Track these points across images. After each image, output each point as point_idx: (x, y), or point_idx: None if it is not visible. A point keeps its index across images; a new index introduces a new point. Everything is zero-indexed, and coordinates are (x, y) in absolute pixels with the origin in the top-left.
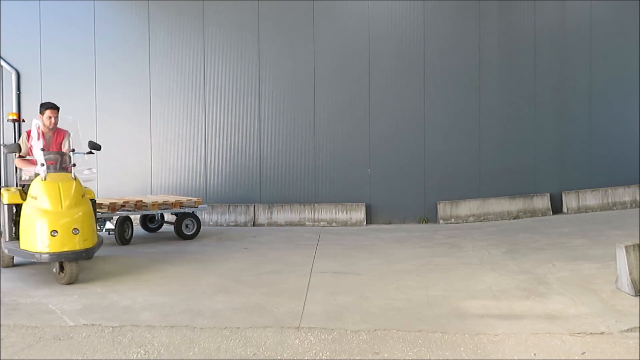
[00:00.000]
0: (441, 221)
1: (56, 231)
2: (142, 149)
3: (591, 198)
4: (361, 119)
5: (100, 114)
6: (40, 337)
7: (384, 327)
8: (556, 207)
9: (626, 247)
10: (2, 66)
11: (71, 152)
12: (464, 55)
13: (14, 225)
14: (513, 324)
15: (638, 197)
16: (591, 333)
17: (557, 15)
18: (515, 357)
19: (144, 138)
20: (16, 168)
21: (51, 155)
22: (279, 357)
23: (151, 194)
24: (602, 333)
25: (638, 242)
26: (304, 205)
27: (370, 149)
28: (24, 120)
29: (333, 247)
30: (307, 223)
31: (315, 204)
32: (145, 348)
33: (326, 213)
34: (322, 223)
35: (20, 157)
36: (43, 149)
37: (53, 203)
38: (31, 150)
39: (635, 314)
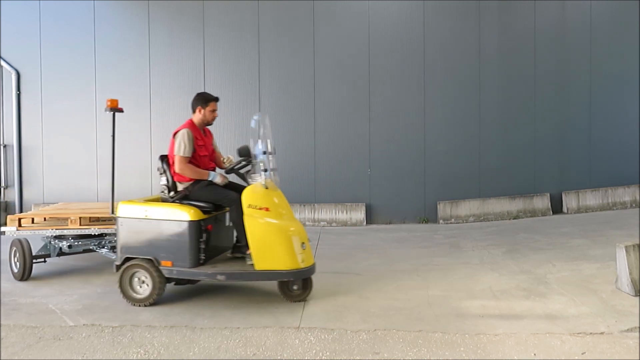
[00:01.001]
0: (441, 221)
1: (304, 244)
2: (142, 148)
3: (591, 198)
4: (361, 118)
5: (100, 114)
6: (40, 337)
7: (384, 327)
8: (556, 207)
9: (626, 247)
10: (2, 66)
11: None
12: (464, 55)
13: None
14: (513, 324)
15: (638, 197)
16: (591, 333)
17: (557, 15)
18: (515, 357)
19: (144, 138)
20: (172, 176)
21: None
22: (279, 357)
23: (151, 193)
24: (602, 333)
25: (638, 242)
26: (304, 205)
27: (370, 149)
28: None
29: (333, 247)
30: (306, 223)
31: (315, 204)
32: (145, 348)
33: (326, 213)
34: (322, 223)
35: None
36: (265, 152)
37: (288, 213)
38: (196, 155)
39: (635, 314)
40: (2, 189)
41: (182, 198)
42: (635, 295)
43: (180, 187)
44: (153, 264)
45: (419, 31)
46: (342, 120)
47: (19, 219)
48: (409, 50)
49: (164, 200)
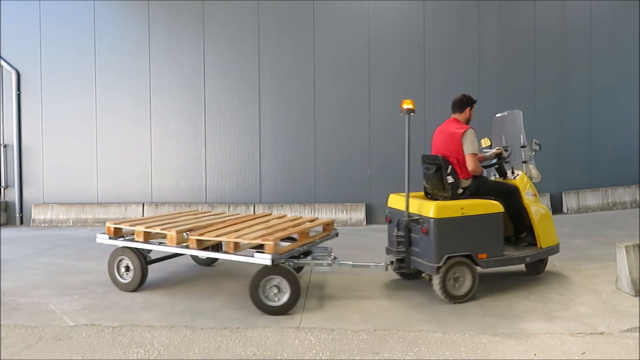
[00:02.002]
0: None
1: None
2: (142, 148)
3: (591, 198)
4: (361, 118)
5: (100, 114)
6: (40, 337)
7: (384, 327)
8: (556, 207)
9: (626, 247)
10: (2, 66)
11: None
12: (464, 55)
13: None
14: (513, 324)
15: (638, 197)
16: (591, 333)
17: (557, 15)
18: (515, 357)
19: (143, 138)
20: (458, 174)
21: None
22: (279, 357)
23: (151, 193)
24: (602, 333)
25: (638, 242)
26: (304, 205)
27: (370, 148)
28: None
29: (333, 247)
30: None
31: (315, 204)
32: (145, 348)
33: (326, 213)
34: None
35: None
36: (524, 146)
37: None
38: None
39: (635, 314)
40: (2, 189)
41: (472, 194)
42: (635, 295)
43: (465, 183)
44: (472, 259)
45: (419, 31)
46: (342, 120)
47: (142, 232)
48: (409, 51)
49: (444, 198)
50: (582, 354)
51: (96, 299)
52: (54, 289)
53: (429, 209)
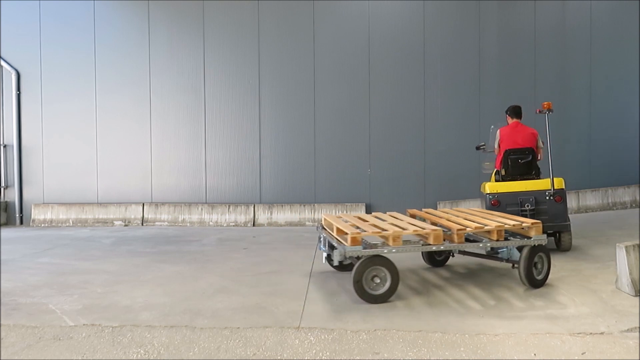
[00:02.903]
0: None
1: None
2: (142, 148)
3: (591, 198)
4: (361, 118)
5: (100, 114)
6: (40, 337)
7: (384, 327)
8: None
9: (626, 247)
10: (2, 66)
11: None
12: (464, 55)
13: None
14: (513, 324)
15: (638, 197)
16: (591, 333)
17: (557, 15)
18: (515, 357)
19: (143, 138)
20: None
21: None
22: (279, 357)
23: (151, 193)
24: (602, 333)
25: (638, 242)
26: (304, 205)
27: (370, 149)
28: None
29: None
30: (307, 223)
31: (315, 204)
32: (145, 348)
33: (326, 213)
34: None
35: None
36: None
37: None
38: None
39: (635, 314)
40: (2, 189)
41: None
42: (635, 295)
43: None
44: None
45: (419, 31)
46: (342, 120)
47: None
48: (409, 50)
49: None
50: (582, 354)
51: (96, 299)
52: (54, 289)
53: (560, 182)
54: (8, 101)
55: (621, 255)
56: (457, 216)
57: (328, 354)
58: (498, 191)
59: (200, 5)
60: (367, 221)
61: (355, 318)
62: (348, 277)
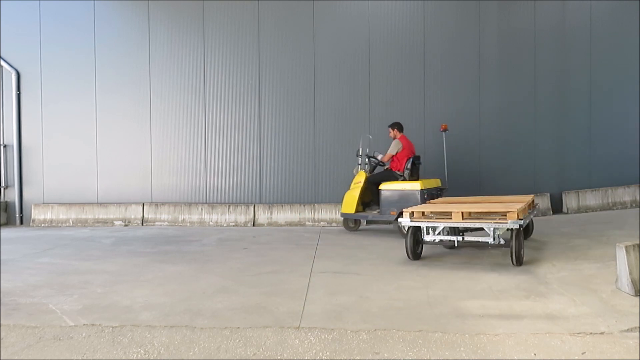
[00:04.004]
0: None
1: None
2: (142, 148)
3: (591, 198)
4: (361, 118)
5: (100, 114)
6: (40, 337)
7: (384, 327)
8: (556, 207)
9: (626, 247)
10: (2, 66)
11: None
12: (464, 55)
13: None
14: (513, 324)
15: (638, 197)
16: (591, 333)
17: (557, 15)
18: (515, 357)
19: (143, 138)
20: None
21: None
22: (279, 357)
23: (151, 193)
24: (602, 333)
25: (638, 242)
26: (304, 205)
27: (370, 148)
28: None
29: (333, 247)
30: (307, 223)
31: (315, 204)
32: (145, 348)
33: (326, 213)
34: (322, 223)
35: None
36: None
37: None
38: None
39: (635, 314)
40: (2, 189)
41: None
42: (635, 295)
43: None
44: None
45: (419, 31)
46: (342, 119)
47: (411, 212)
48: (409, 50)
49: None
50: (582, 354)
51: (96, 299)
52: (54, 289)
53: (438, 181)
54: (8, 101)
55: (621, 255)
56: (475, 202)
57: (328, 354)
58: (425, 187)
59: (200, 5)
60: (467, 203)
61: (355, 318)
62: (348, 277)
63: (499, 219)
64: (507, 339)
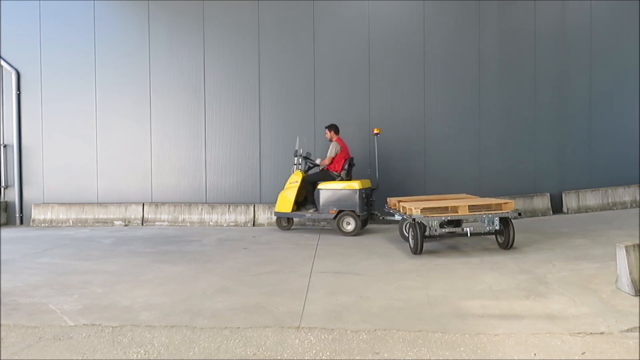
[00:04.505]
0: None
1: None
2: (142, 148)
3: (591, 198)
4: (361, 118)
5: (100, 114)
6: (40, 337)
7: (384, 327)
8: (556, 207)
9: (626, 247)
10: (2, 66)
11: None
12: (464, 55)
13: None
14: (513, 324)
15: (638, 197)
16: (591, 333)
17: (557, 15)
18: (515, 357)
19: (143, 138)
20: None
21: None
22: (279, 357)
23: (151, 193)
24: (602, 333)
25: (638, 242)
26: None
27: (370, 148)
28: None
29: (333, 247)
30: (307, 223)
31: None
32: (145, 348)
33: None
34: (322, 223)
35: None
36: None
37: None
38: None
39: (635, 314)
40: (2, 189)
41: None
42: (635, 295)
43: None
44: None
45: (419, 31)
46: (342, 119)
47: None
48: (409, 50)
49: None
50: (582, 354)
51: (96, 299)
52: (54, 289)
53: (369, 182)
54: (8, 101)
55: (621, 255)
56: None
57: (328, 354)
58: (362, 187)
59: (200, 5)
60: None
61: (355, 318)
62: (348, 277)
63: (494, 210)
64: (507, 339)
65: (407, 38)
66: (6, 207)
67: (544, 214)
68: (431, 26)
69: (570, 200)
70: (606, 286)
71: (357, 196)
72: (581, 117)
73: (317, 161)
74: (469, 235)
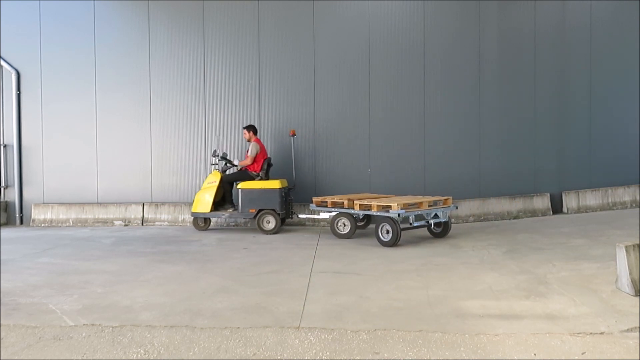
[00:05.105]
0: None
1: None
2: (142, 148)
3: (591, 198)
4: (361, 118)
5: (100, 114)
6: (40, 337)
7: (384, 327)
8: (556, 207)
9: (626, 247)
10: (2, 66)
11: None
12: (464, 55)
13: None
14: (513, 324)
15: (638, 197)
16: (591, 333)
17: (557, 15)
18: (515, 357)
19: (143, 138)
20: None
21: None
22: (279, 357)
23: (151, 193)
24: (602, 333)
25: (638, 242)
26: (304, 205)
27: (370, 149)
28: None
29: (333, 247)
30: (307, 223)
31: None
32: (145, 348)
33: (326, 213)
34: (322, 223)
35: None
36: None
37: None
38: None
39: (635, 314)
40: (2, 189)
41: None
42: (635, 295)
43: None
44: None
45: (419, 31)
46: (342, 119)
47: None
48: (409, 50)
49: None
50: (582, 354)
51: (96, 299)
52: (54, 289)
53: (285, 182)
54: (8, 101)
55: (621, 255)
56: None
57: (328, 354)
58: (282, 187)
59: (200, 5)
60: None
61: (355, 318)
62: (348, 277)
63: (443, 204)
64: (507, 339)
65: (407, 38)
66: (6, 207)
67: (544, 214)
68: (431, 26)
69: (570, 201)
70: (606, 286)
71: (278, 195)
72: (581, 117)
73: (235, 162)
74: (432, 226)
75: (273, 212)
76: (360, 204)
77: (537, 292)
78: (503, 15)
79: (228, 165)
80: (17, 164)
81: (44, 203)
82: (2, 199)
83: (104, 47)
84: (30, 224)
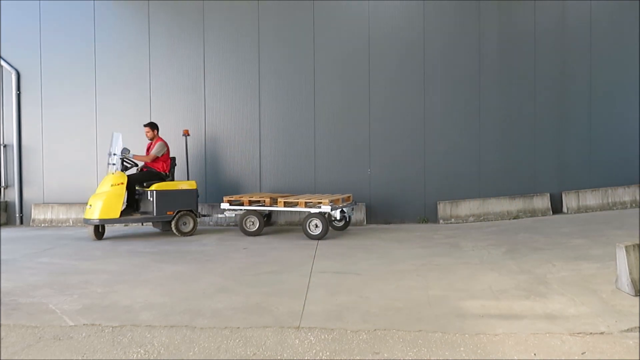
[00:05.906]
0: (441, 221)
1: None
2: (142, 148)
3: (591, 198)
4: (361, 118)
5: (100, 114)
6: (40, 337)
7: (384, 327)
8: (556, 207)
9: (626, 247)
10: (2, 66)
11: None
12: (464, 55)
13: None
14: (513, 324)
15: (638, 197)
16: (591, 333)
17: (557, 15)
18: (515, 357)
19: (144, 137)
20: None
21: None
22: (279, 357)
23: None
24: (602, 333)
25: (638, 242)
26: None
27: (370, 149)
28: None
29: (333, 247)
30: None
31: None
32: (145, 348)
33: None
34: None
35: None
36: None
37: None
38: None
39: (635, 314)
40: (2, 189)
41: None
42: (635, 295)
43: None
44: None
45: (419, 31)
46: (342, 120)
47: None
48: (409, 50)
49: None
50: (582, 354)
51: (96, 299)
52: (54, 289)
53: (193, 183)
54: (8, 101)
55: (621, 255)
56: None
57: (328, 354)
58: (194, 187)
59: (200, 5)
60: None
61: (355, 318)
62: (348, 277)
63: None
64: (507, 339)
65: (407, 38)
66: (6, 207)
67: (544, 214)
68: (431, 26)
69: (570, 200)
70: (606, 286)
71: (194, 195)
72: (581, 117)
73: (135, 160)
74: (348, 220)
75: (191, 213)
76: (285, 202)
77: (537, 292)
78: (503, 15)
79: (127, 164)
80: (17, 164)
81: (44, 203)
82: (2, 199)
83: (104, 47)
84: (30, 224)
